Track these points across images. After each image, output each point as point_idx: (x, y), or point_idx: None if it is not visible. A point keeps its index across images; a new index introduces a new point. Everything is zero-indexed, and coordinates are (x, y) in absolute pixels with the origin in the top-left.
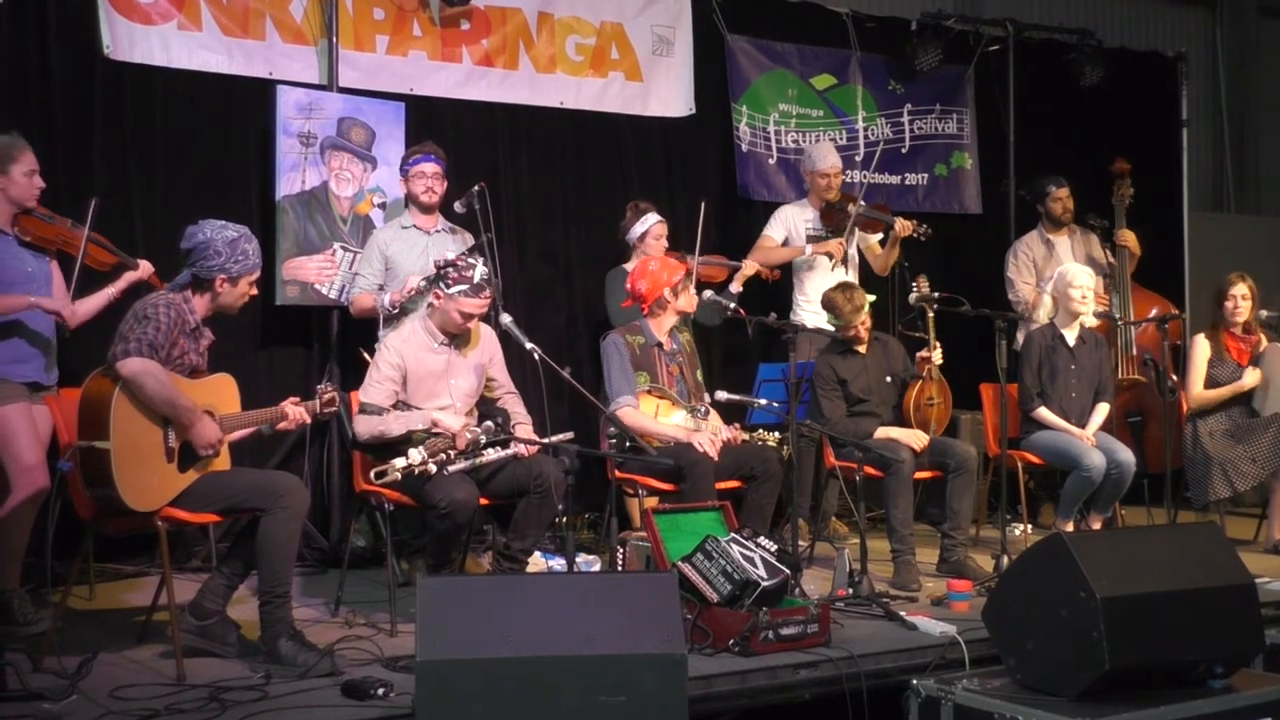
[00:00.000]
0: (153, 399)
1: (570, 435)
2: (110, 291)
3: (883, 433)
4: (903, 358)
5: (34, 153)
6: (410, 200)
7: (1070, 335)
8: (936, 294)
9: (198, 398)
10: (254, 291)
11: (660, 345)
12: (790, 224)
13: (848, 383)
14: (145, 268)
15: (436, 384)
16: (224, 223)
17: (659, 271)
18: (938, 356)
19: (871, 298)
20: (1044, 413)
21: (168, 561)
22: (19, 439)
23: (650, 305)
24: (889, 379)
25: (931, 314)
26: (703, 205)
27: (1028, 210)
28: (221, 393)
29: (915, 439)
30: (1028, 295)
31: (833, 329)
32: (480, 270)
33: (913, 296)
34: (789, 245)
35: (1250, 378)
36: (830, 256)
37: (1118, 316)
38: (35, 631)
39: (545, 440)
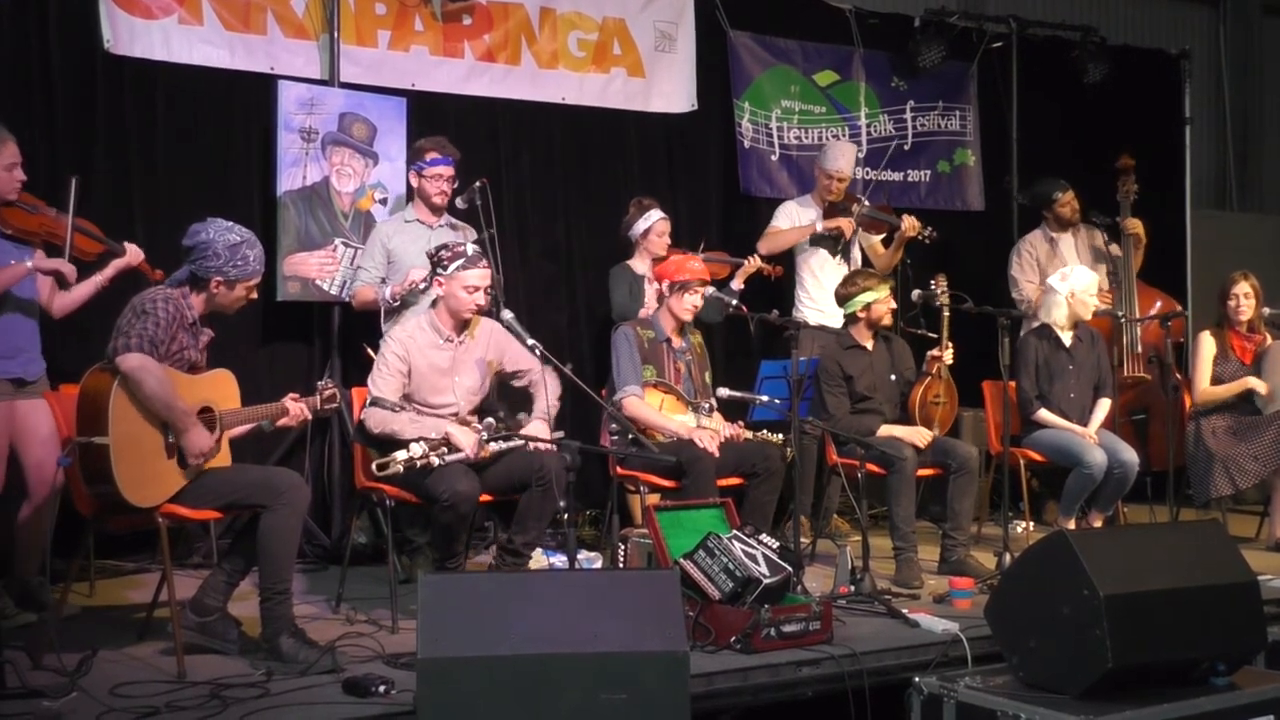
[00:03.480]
0: (150, 397)
1: (561, 434)
2: (98, 279)
3: (886, 430)
4: (908, 358)
5: (17, 143)
6: (420, 196)
7: (1066, 336)
8: (945, 294)
9: (197, 393)
10: (252, 296)
11: (669, 342)
12: (795, 219)
13: (853, 379)
14: (134, 254)
15: (440, 380)
16: (230, 224)
17: (674, 262)
18: (948, 356)
19: (885, 288)
20: (1045, 415)
21: (168, 558)
22: None
23: (658, 293)
24: (893, 378)
25: (946, 314)
26: (702, 244)
27: (1035, 212)
28: (221, 389)
29: (919, 436)
30: (1031, 294)
31: (843, 319)
32: (471, 246)
33: (918, 294)
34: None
35: (1259, 385)
36: (841, 235)
37: (1120, 314)
38: (17, 624)
39: (549, 440)
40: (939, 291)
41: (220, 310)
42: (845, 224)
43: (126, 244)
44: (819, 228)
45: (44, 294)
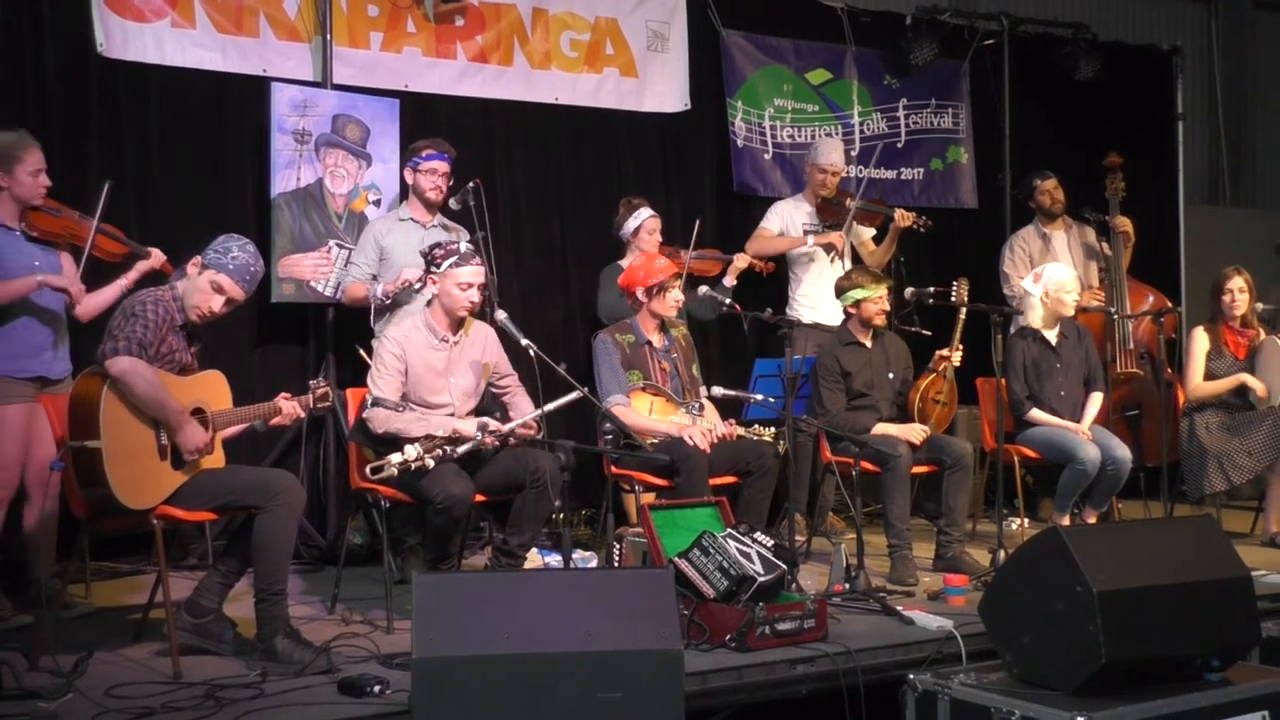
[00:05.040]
0: (141, 398)
1: (582, 391)
2: (123, 282)
3: (880, 429)
4: (906, 358)
5: (41, 149)
6: (415, 193)
7: (1051, 334)
8: (964, 298)
9: (189, 394)
10: (214, 303)
11: (650, 344)
12: (787, 219)
13: (851, 375)
14: (157, 256)
15: (436, 381)
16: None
17: (640, 268)
18: (957, 358)
19: (880, 288)
20: (1037, 414)
21: (163, 559)
22: (6, 441)
23: (632, 300)
24: (890, 375)
25: (961, 317)
26: (698, 223)
27: (1023, 204)
28: (212, 390)
29: (914, 433)
30: (1020, 292)
31: (841, 315)
32: (465, 244)
33: (911, 291)
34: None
35: (1255, 384)
36: (831, 249)
37: (1113, 310)
38: (13, 626)
39: (543, 438)
40: (958, 295)
41: (189, 303)
42: (836, 239)
43: (150, 248)
44: (810, 242)
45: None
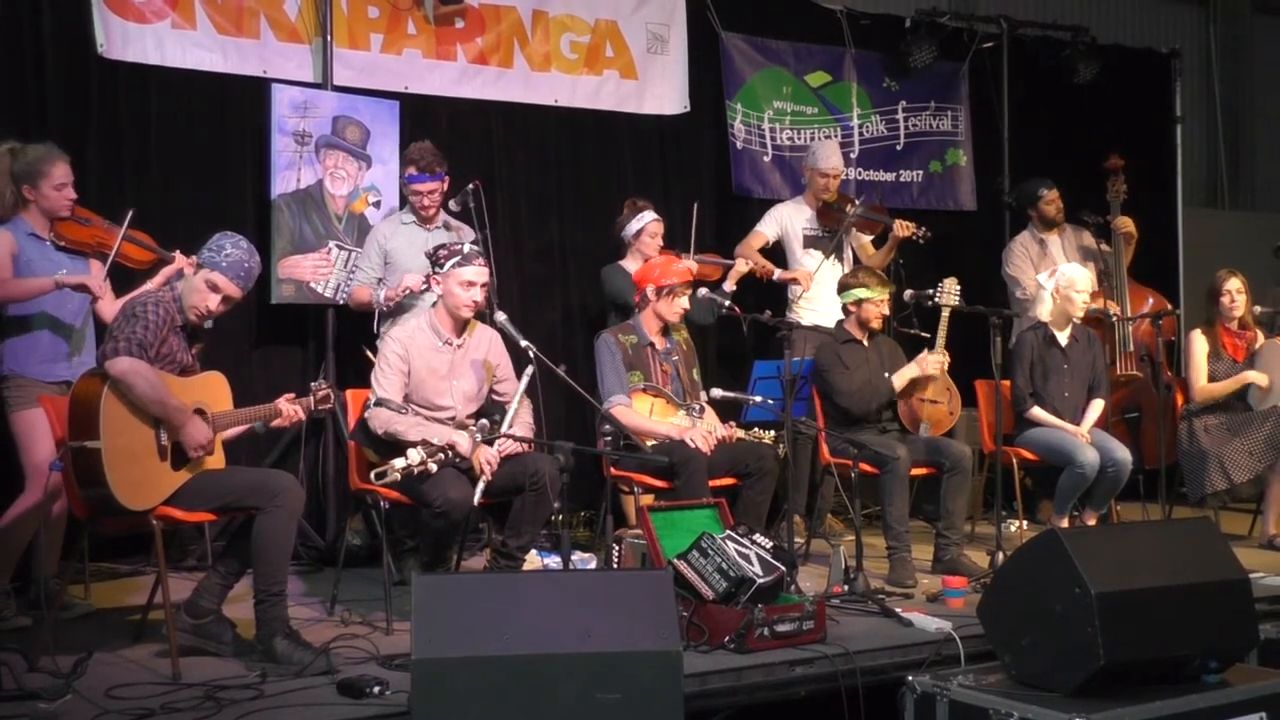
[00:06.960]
0: (142, 398)
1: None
2: (148, 285)
3: (900, 378)
4: (900, 358)
5: (69, 163)
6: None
7: (1062, 335)
8: (952, 296)
9: (189, 396)
10: (210, 302)
11: (653, 345)
12: (785, 223)
13: (849, 373)
14: (180, 260)
15: (439, 384)
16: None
17: (658, 265)
18: (934, 363)
19: (883, 291)
20: (1038, 413)
21: (163, 560)
22: (39, 442)
23: (639, 297)
24: (886, 375)
25: (945, 316)
26: (695, 207)
27: (1019, 210)
28: (213, 391)
29: (931, 363)
30: (1034, 289)
31: (841, 314)
32: (469, 245)
33: (910, 294)
34: (782, 243)
35: (1259, 378)
36: (795, 284)
37: (1112, 314)
38: (12, 627)
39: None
40: (946, 294)
41: (187, 303)
42: (803, 278)
43: (174, 251)
44: (776, 275)
45: (100, 302)
